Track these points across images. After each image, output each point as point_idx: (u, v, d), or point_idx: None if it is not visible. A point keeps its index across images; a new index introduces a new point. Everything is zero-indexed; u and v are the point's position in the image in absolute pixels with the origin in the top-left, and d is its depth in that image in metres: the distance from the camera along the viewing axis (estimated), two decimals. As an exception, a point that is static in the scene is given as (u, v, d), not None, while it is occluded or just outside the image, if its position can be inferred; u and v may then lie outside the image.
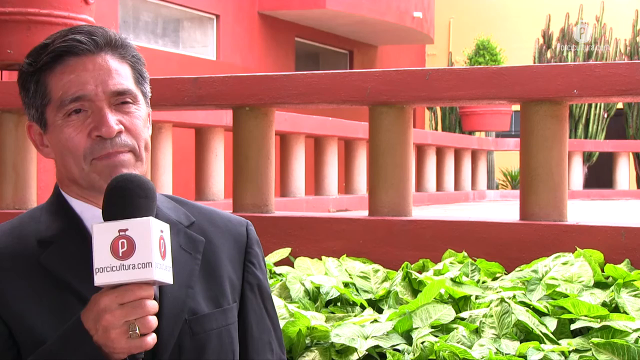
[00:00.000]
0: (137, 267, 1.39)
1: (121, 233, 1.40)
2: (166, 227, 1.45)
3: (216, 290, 1.65)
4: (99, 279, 1.40)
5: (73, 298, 1.50)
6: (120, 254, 1.40)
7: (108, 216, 1.44)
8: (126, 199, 1.45)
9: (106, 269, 1.40)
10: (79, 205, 1.63)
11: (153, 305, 1.42)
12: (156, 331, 1.52)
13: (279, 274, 4.32)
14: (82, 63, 1.60)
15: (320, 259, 4.45)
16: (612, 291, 3.64)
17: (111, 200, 1.45)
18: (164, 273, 1.42)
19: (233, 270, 1.69)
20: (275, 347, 1.73)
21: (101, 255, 1.40)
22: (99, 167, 1.59)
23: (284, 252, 4.73)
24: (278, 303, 3.54)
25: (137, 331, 1.40)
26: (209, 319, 1.61)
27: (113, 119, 1.59)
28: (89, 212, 1.60)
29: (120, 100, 1.61)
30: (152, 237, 1.40)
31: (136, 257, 1.40)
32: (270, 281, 4.17)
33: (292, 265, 4.54)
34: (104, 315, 1.40)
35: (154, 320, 1.41)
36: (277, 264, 4.63)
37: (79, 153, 1.59)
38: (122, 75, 1.62)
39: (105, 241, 1.40)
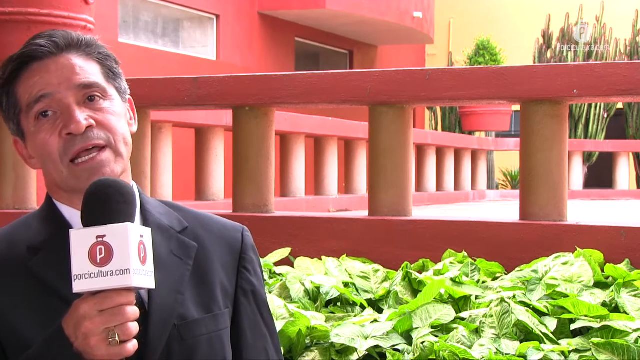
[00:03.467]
0: (115, 274, 1.38)
1: (99, 239, 1.39)
2: (147, 231, 1.43)
3: (207, 296, 1.63)
4: (78, 286, 1.39)
5: (61, 304, 1.48)
6: (98, 261, 1.38)
7: (87, 222, 1.42)
8: (104, 204, 1.43)
9: (84, 276, 1.38)
10: (68, 212, 1.62)
11: (133, 311, 1.40)
12: (144, 336, 1.52)
13: (279, 274, 4.32)
14: (44, 65, 1.59)
15: (320, 259, 4.45)
16: (612, 291, 3.64)
17: (89, 206, 1.44)
18: (143, 279, 1.40)
19: (226, 276, 1.67)
20: (272, 354, 1.71)
21: (79, 261, 1.39)
22: (77, 172, 1.57)
23: (284, 252, 4.73)
24: (278, 303, 3.54)
25: (117, 338, 1.38)
26: (199, 324, 1.60)
27: (82, 115, 1.57)
28: (78, 219, 1.56)
29: (88, 94, 1.59)
30: (130, 243, 1.38)
31: (114, 263, 1.38)
32: (270, 281, 4.17)
33: (292, 265, 4.54)
34: (84, 322, 1.39)
35: (134, 327, 1.40)
36: (277, 264, 4.63)
37: (54, 156, 1.58)
38: (87, 71, 1.60)
39: (83, 247, 1.39)
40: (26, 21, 6.39)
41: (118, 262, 1.38)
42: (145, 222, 1.63)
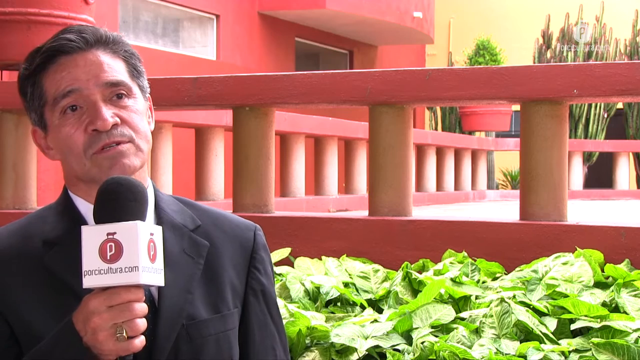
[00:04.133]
0: (124, 271, 1.40)
1: (109, 236, 1.41)
2: (158, 229, 1.46)
3: (216, 296, 1.64)
4: (87, 282, 1.41)
5: (74, 299, 1.50)
6: (108, 258, 1.41)
7: (98, 219, 1.45)
8: (116, 202, 1.45)
9: (94, 272, 1.41)
10: (84, 206, 1.63)
11: (142, 308, 1.42)
12: (153, 335, 1.54)
13: (279, 274, 4.32)
14: (73, 60, 1.61)
15: (320, 259, 4.45)
16: (612, 291, 3.64)
17: (101, 203, 1.46)
18: (152, 276, 1.43)
19: (236, 276, 1.68)
20: (280, 353, 1.73)
21: (90, 258, 1.41)
22: (99, 161, 1.59)
23: (284, 252, 4.73)
24: (278, 303, 3.54)
25: (124, 334, 1.41)
26: (207, 324, 1.61)
27: (108, 112, 1.59)
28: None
29: (115, 92, 1.61)
30: (140, 241, 1.41)
31: (123, 260, 1.40)
32: (270, 281, 4.17)
33: (292, 265, 4.54)
34: (92, 317, 1.41)
35: (142, 323, 1.42)
36: (277, 264, 4.63)
37: (78, 150, 1.60)
38: (114, 69, 1.63)
39: (93, 244, 1.41)
40: (26, 21, 6.39)
41: (127, 259, 1.40)
42: (159, 219, 1.65)
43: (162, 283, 1.45)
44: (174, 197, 1.74)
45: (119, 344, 1.41)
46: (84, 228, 1.43)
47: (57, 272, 1.56)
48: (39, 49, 1.64)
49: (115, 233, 1.41)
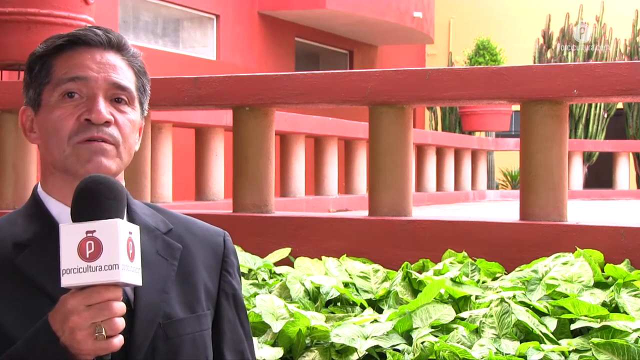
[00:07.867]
0: (104, 269, 1.38)
1: (88, 234, 1.40)
2: (136, 228, 1.45)
3: (191, 296, 1.65)
4: (66, 281, 1.39)
5: (47, 301, 1.49)
6: (88, 256, 1.39)
7: (76, 217, 1.44)
8: (94, 200, 1.44)
9: (73, 271, 1.39)
10: (56, 208, 1.63)
11: (120, 307, 1.41)
12: (130, 334, 1.53)
13: (279, 274, 4.32)
14: (91, 53, 1.64)
15: (320, 259, 4.45)
16: (612, 291, 3.64)
17: (79, 202, 1.45)
18: (131, 275, 1.41)
19: (209, 278, 1.70)
20: (247, 356, 1.75)
21: (68, 256, 1.39)
22: (79, 150, 1.59)
23: (284, 252, 4.73)
24: (278, 303, 3.54)
25: (103, 333, 1.39)
26: (183, 323, 1.62)
27: (105, 108, 1.61)
28: (66, 215, 1.58)
29: (117, 95, 1.63)
30: (120, 239, 1.40)
31: (103, 258, 1.39)
32: (270, 281, 4.17)
33: (292, 265, 4.54)
34: (71, 316, 1.40)
35: (120, 322, 1.41)
36: (277, 264, 4.63)
37: (64, 134, 1.60)
38: (126, 76, 1.65)
39: (72, 242, 1.40)
40: (26, 21, 6.40)
41: (107, 257, 1.39)
42: (132, 222, 1.64)
43: (140, 282, 1.44)
44: (145, 203, 1.75)
45: (98, 343, 1.39)
46: (62, 226, 1.42)
47: (28, 274, 1.55)
48: (60, 34, 1.66)
49: (94, 231, 1.40)
